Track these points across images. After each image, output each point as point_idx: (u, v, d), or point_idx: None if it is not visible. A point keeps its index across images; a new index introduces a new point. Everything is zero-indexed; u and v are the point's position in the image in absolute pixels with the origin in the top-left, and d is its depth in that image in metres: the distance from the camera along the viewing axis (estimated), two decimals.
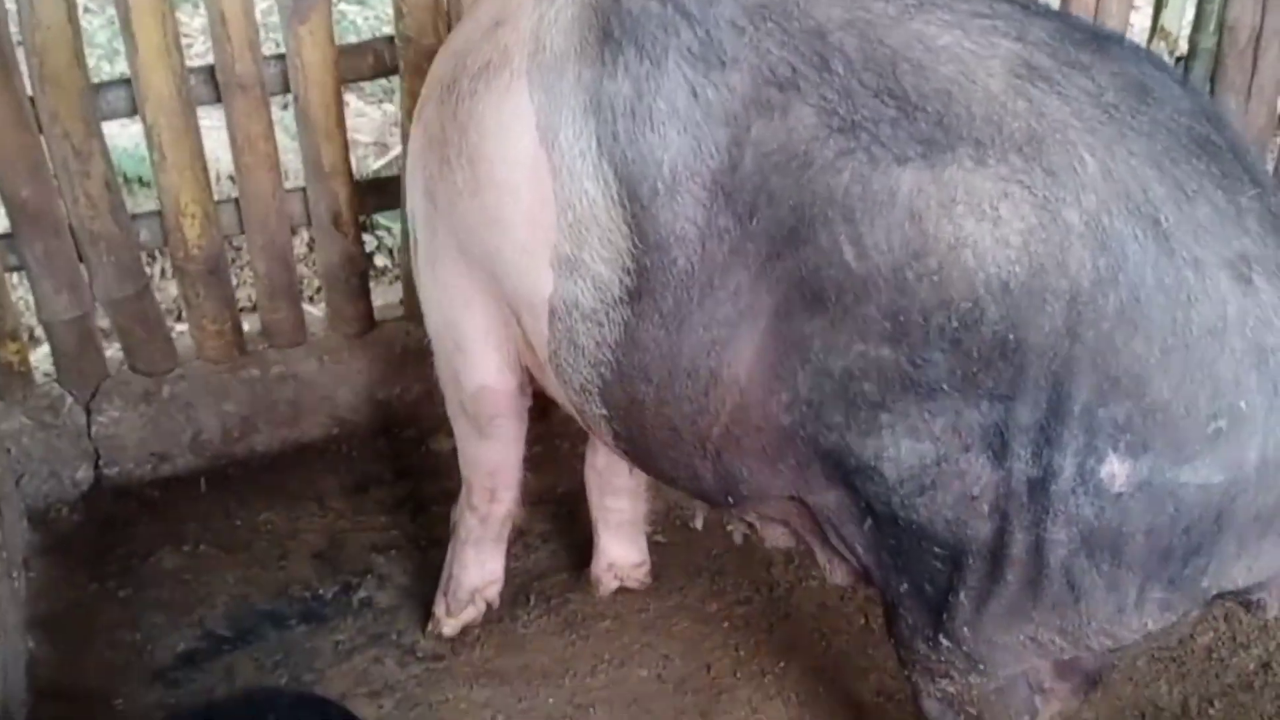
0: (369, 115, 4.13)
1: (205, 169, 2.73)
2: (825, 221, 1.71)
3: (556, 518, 2.79)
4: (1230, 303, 1.62)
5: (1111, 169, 1.64)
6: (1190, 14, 3.30)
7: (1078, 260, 1.62)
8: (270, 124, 2.73)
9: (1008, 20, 1.74)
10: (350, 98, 3.98)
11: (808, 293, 1.74)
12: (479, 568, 2.53)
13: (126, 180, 3.57)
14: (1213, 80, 3.32)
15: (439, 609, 2.55)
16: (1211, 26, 3.26)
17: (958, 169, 1.65)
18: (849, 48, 1.73)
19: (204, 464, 2.92)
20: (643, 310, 1.88)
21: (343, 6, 4.39)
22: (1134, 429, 1.63)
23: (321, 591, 2.63)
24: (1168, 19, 3.25)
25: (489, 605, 2.55)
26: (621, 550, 2.61)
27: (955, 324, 1.66)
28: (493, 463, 2.42)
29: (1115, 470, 1.65)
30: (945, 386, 1.69)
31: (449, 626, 2.55)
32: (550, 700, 2.44)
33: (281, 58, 2.70)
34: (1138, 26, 3.57)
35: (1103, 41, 1.78)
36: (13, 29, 2.49)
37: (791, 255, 1.74)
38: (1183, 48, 3.31)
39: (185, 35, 3.92)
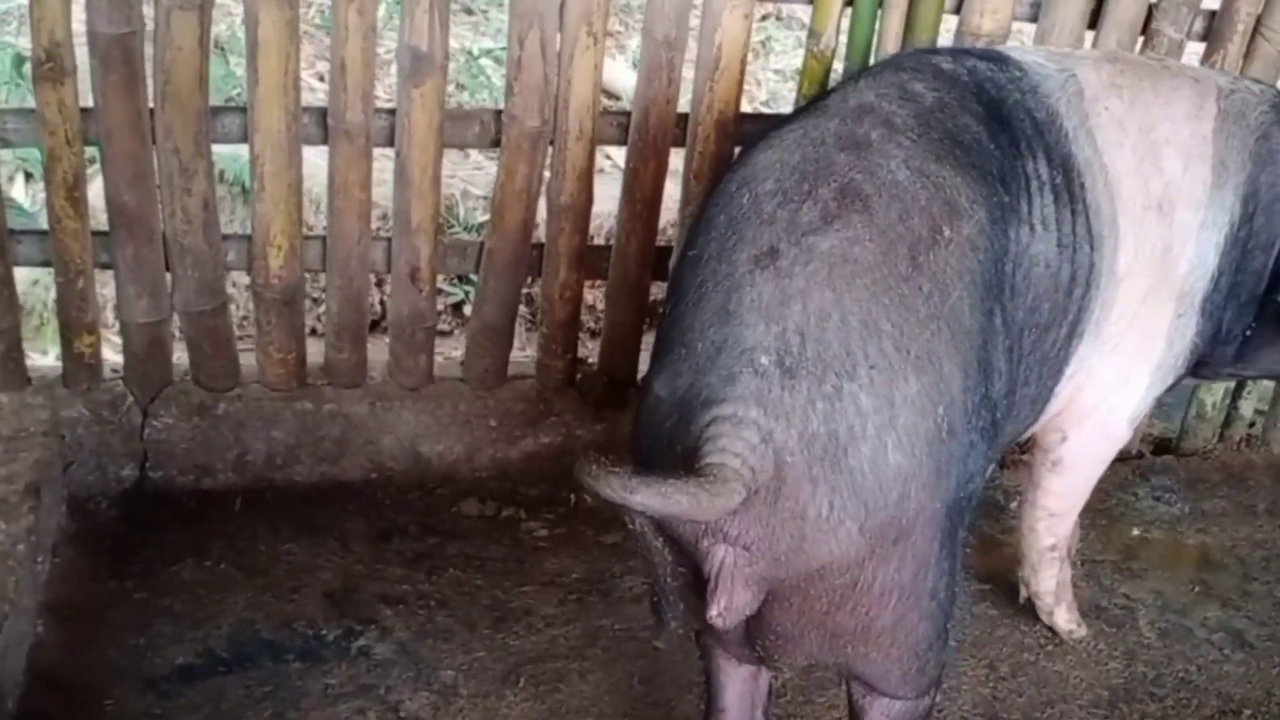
0: (486, 170, 4.20)
1: (299, 205, 2.84)
2: None
3: (564, 603, 2.82)
4: None
5: None
6: None
7: None
8: (369, 174, 2.83)
9: None
10: (474, 149, 4.07)
11: None
12: None
13: (244, 190, 3.66)
14: None
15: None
16: None
17: None
18: None
19: (244, 484, 3.01)
20: None
21: (484, 60, 4.50)
22: None
23: (324, 632, 2.68)
24: None
25: None
26: None
27: None
28: None
29: None
30: None
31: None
32: None
33: (392, 112, 2.81)
34: None
35: None
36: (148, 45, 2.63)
37: None
38: None
39: (317, 69, 4.09)
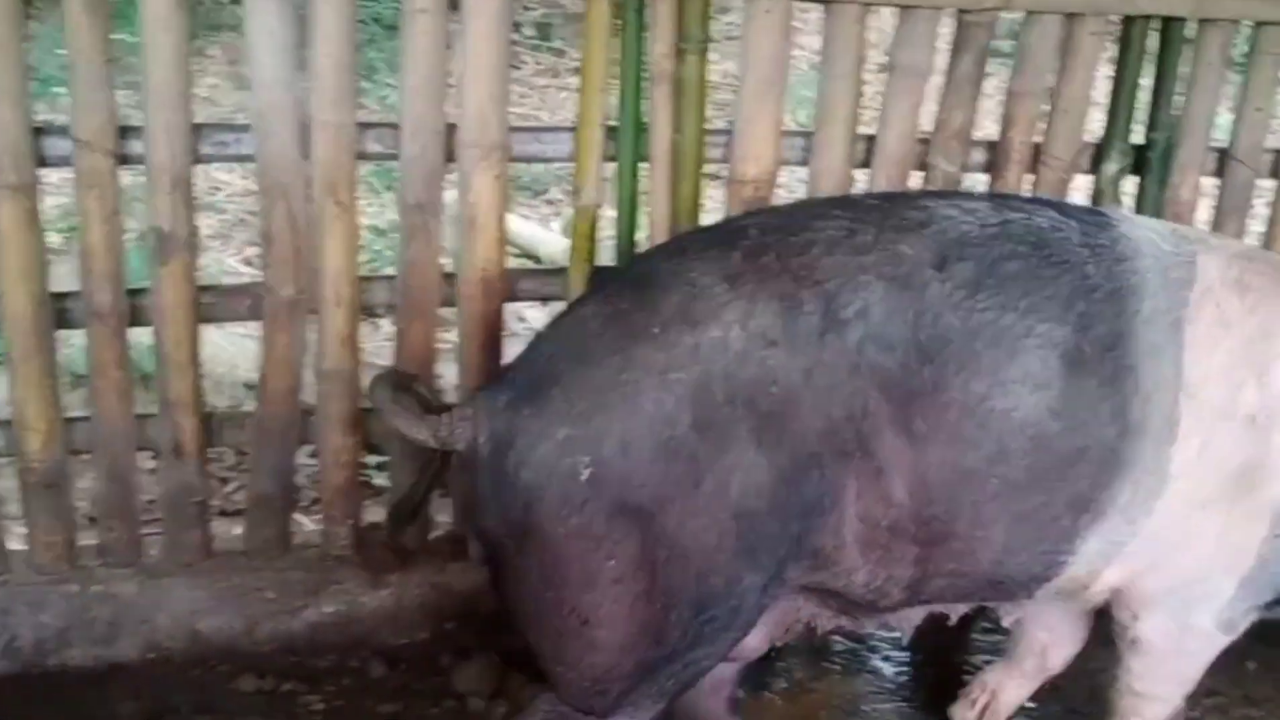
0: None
1: (54, 387, 2.81)
2: None
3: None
4: None
5: None
6: None
7: None
8: (124, 352, 2.81)
9: None
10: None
11: None
12: None
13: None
14: None
15: None
16: None
17: None
18: None
19: (16, 670, 2.93)
20: None
21: None
22: None
23: None
24: None
25: None
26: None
27: None
28: None
29: None
30: None
31: None
32: None
33: (147, 290, 2.80)
34: None
35: None
36: None
37: None
38: None
39: None
